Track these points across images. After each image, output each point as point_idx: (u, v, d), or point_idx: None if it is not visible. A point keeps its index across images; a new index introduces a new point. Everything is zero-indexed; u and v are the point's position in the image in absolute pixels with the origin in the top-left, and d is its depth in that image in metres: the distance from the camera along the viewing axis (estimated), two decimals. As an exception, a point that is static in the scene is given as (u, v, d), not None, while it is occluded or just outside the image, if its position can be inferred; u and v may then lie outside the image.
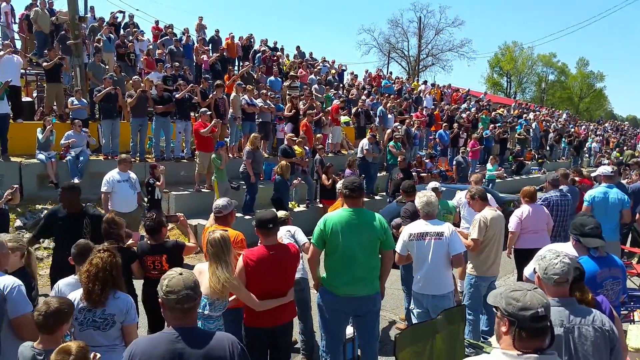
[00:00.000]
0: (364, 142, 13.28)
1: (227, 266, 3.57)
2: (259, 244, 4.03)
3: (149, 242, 4.73)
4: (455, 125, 17.52)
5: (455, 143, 17.19)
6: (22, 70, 11.59)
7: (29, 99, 12.67)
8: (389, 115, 16.38)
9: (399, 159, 12.54)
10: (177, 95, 11.19)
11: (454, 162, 15.52)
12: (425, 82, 26.48)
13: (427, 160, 15.86)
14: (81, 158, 9.95)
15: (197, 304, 2.38)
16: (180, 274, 2.38)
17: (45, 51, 12.14)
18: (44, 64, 11.05)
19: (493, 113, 22.46)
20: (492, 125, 19.70)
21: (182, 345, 2.26)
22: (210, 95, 11.81)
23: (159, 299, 2.36)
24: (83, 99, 11.12)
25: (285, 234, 5.26)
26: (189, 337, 2.30)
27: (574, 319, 2.53)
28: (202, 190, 10.74)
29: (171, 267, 4.36)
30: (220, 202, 4.80)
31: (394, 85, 21.75)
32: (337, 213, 4.24)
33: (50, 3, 14.85)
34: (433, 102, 21.59)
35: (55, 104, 11.59)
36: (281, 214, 5.67)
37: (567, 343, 2.50)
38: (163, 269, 4.46)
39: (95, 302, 3.17)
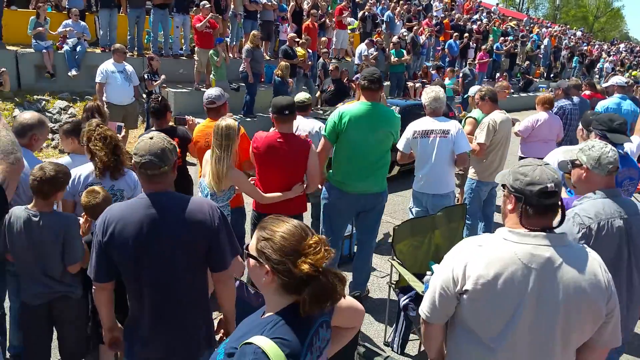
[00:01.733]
0: (362, 48, 12.76)
1: (226, 158, 3.39)
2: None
3: (154, 128, 4.42)
4: (466, 35, 16.83)
5: (465, 54, 16.62)
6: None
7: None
8: (397, 22, 15.66)
9: (330, 68, 11.28)
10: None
11: (460, 74, 15.07)
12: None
13: (433, 72, 15.39)
14: (78, 49, 9.61)
15: (165, 172, 2.20)
16: (151, 138, 2.22)
17: None
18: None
19: (504, 25, 21.50)
20: (502, 38, 18.97)
21: (158, 210, 2.16)
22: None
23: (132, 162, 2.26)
24: (78, -12, 10.52)
25: (314, 135, 4.79)
26: (164, 201, 2.20)
27: (628, 210, 2.44)
28: (202, 89, 10.45)
29: (183, 154, 4.28)
30: (212, 91, 4.37)
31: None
32: (354, 106, 3.99)
33: None
34: (444, 11, 20.60)
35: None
36: (303, 96, 5.14)
37: (628, 235, 2.40)
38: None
39: (113, 172, 3.16)
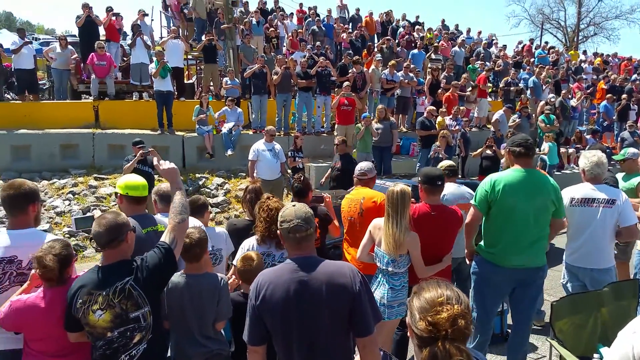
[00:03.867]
0: (498, 114, 12.25)
1: (402, 221, 3.45)
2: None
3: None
4: (624, 96, 15.35)
5: (624, 117, 15.05)
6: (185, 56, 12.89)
7: (190, 81, 14.08)
8: (543, 87, 14.95)
9: (335, 142, 9.17)
10: (311, 71, 11.47)
11: (619, 138, 13.64)
12: (585, 52, 23.65)
13: (588, 136, 14.19)
14: (234, 131, 10.78)
15: (310, 235, 2.36)
16: (294, 205, 2.42)
17: (203, 37, 13.30)
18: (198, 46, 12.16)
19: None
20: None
21: (303, 274, 2.27)
22: (350, 71, 11.91)
23: (278, 231, 2.42)
24: (235, 79, 12.01)
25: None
26: (308, 265, 2.31)
27: None
28: (341, 163, 10.90)
29: (322, 235, 4.38)
30: (364, 164, 4.66)
31: (549, 56, 19.75)
32: (507, 173, 3.74)
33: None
34: (596, 73, 19.19)
35: (211, 83, 12.66)
36: (449, 162, 5.19)
37: None
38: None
39: (279, 242, 3.26)
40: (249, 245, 3.49)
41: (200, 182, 10.14)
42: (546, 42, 23.73)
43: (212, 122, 11.09)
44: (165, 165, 2.90)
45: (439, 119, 11.00)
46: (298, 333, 2.25)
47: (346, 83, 10.85)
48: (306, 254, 2.36)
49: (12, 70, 11.76)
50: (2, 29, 22.05)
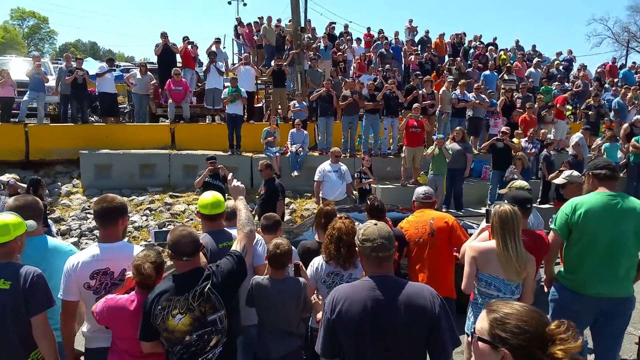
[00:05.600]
0: (577, 137, 11.40)
1: (520, 242, 3.21)
2: None
3: None
4: None
5: None
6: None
7: (259, 105, 14.47)
8: (629, 108, 13.90)
9: (259, 167, 8.24)
10: (378, 95, 11.36)
11: None
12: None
13: (682, 160, 12.92)
14: (301, 153, 10.86)
15: (391, 255, 2.33)
16: (375, 224, 2.37)
17: (272, 62, 13.66)
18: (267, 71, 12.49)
19: None
20: None
21: (381, 292, 2.23)
22: (414, 92, 11.71)
23: (356, 248, 2.39)
24: (303, 102, 12.17)
25: None
26: (387, 284, 2.27)
27: None
28: (408, 185, 10.62)
29: (399, 258, 4.30)
30: (425, 188, 4.62)
31: (635, 75, 18.40)
32: (590, 196, 3.51)
33: (269, 18, 16.56)
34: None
35: (279, 106, 12.91)
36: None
37: None
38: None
39: (343, 263, 3.38)
40: (318, 263, 3.51)
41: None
42: (634, 62, 22.05)
43: (279, 143, 11.26)
44: (235, 183, 3.23)
45: (515, 140, 10.50)
46: (372, 351, 2.21)
47: (416, 105, 10.65)
48: (385, 272, 2.32)
49: (96, 94, 12.64)
50: (88, 57, 23.94)
